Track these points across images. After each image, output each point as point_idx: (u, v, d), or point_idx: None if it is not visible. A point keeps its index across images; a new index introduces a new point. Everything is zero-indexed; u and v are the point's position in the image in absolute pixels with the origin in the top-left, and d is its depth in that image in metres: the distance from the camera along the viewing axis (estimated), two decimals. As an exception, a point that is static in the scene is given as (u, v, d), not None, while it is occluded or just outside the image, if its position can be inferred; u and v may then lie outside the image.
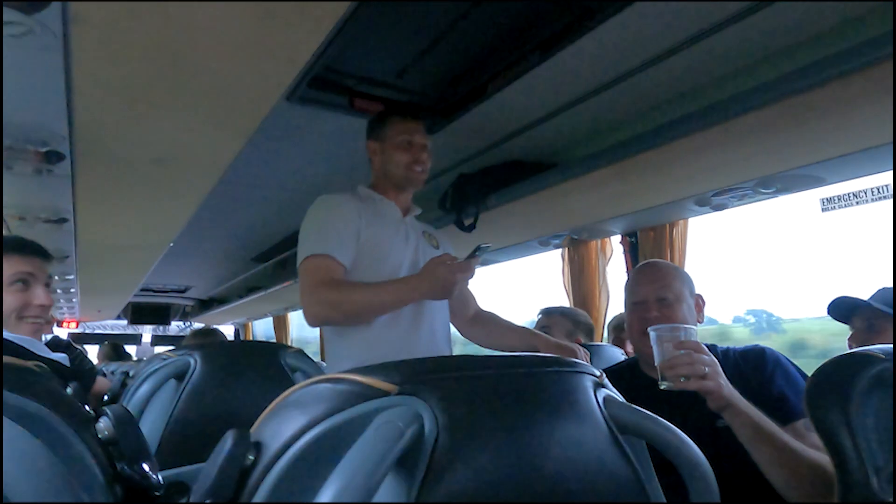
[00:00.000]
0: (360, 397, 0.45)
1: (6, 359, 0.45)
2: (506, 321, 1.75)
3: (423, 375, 0.46)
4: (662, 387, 1.08)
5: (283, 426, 0.45)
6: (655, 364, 1.10)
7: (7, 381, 0.42)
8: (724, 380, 1.06)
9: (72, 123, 1.42)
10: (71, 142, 1.52)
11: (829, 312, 1.65)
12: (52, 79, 1.19)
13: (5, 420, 0.39)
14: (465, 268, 1.37)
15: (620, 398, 0.57)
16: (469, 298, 1.80)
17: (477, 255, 1.38)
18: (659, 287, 1.33)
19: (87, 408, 0.76)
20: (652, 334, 1.11)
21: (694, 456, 0.53)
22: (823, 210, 1.94)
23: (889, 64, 1.22)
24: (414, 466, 0.42)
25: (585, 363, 0.56)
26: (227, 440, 0.44)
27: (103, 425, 0.50)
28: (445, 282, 1.35)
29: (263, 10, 1.00)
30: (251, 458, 0.45)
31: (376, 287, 1.42)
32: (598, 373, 0.56)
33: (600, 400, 0.53)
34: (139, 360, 4.95)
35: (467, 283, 1.43)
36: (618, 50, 1.51)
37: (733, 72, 1.62)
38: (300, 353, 1.31)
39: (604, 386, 0.56)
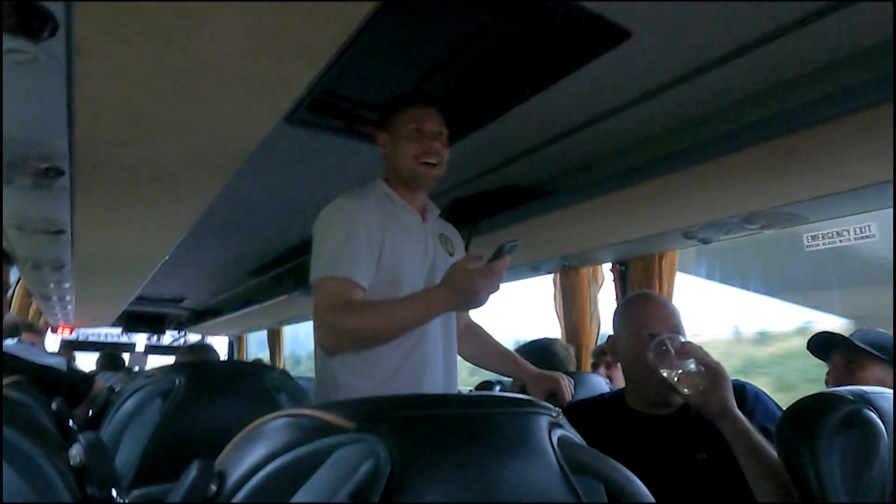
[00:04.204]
0: (318, 433, 0.47)
1: None
2: (493, 342, 1.69)
3: (381, 414, 0.49)
4: (683, 389, 1.15)
5: (245, 458, 0.48)
6: (665, 371, 1.17)
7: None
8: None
9: (72, 141, 1.46)
10: (71, 158, 1.56)
11: (808, 348, 1.68)
12: (54, 100, 1.23)
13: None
14: (490, 272, 1.18)
15: (576, 438, 0.59)
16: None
17: (503, 255, 1.18)
18: (671, 321, 1.35)
19: (70, 422, 0.78)
20: (654, 344, 1.19)
21: (641, 497, 0.55)
22: (808, 247, 1.97)
23: (874, 110, 1.26)
24: (367, 503, 0.44)
25: (543, 403, 0.59)
26: (192, 470, 0.47)
27: (75, 452, 0.53)
28: (470, 290, 1.18)
29: (259, 45, 1.04)
30: (214, 488, 0.47)
31: (394, 306, 1.28)
32: (555, 413, 0.59)
33: (554, 440, 0.55)
34: (129, 371, 4.95)
35: (497, 289, 1.21)
36: (609, 86, 1.56)
37: (721, 110, 1.67)
38: (284, 374, 1.33)
39: (560, 426, 0.58)
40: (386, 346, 1.32)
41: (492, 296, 1.22)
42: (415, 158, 1.39)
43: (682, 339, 1.20)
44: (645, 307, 1.41)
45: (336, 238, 1.32)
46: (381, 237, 1.35)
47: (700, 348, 1.17)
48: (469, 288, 1.18)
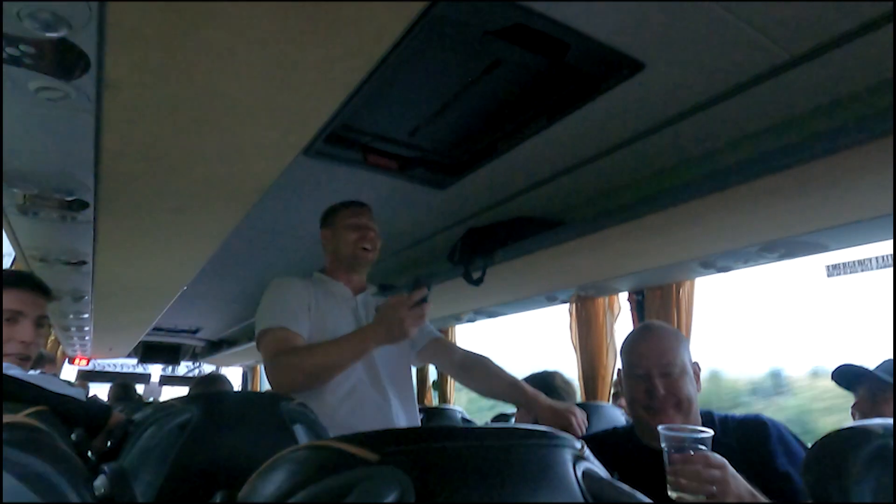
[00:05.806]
0: (341, 465, 0.47)
1: (13, 417, 0.48)
2: (498, 370, 1.72)
3: (403, 445, 0.49)
4: (672, 495, 1.04)
5: (269, 490, 0.47)
6: (666, 465, 1.07)
7: (13, 439, 0.45)
8: (733, 484, 1.02)
9: (97, 175, 1.50)
10: (95, 191, 1.60)
11: (833, 379, 1.64)
12: (82, 135, 1.27)
13: (9, 477, 0.42)
14: (410, 303, 1.40)
15: (601, 471, 0.58)
16: (446, 344, 1.85)
17: (419, 288, 1.41)
18: (662, 358, 1.30)
19: (89, 453, 0.78)
20: (662, 433, 1.07)
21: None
22: (829, 276, 1.95)
23: (889, 139, 1.25)
24: (391, 535, 0.44)
25: (566, 435, 0.58)
26: (216, 501, 0.47)
27: (100, 483, 0.53)
28: (395, 321, 1.39)
29: (280, 80, 1.07)
30: (237, 520, 0.47)
31: (333, 343, 1.49)
32: (578, 445, 0.58)
33: (579, 474, 0.54)
34: (141, 401, 4.95)
35: (423, 319, 1.44)
36: (624, 117, 1.57)
37: (737, 140, 1.66)
38: (301, 405, 1.33)
39: (584, 458, 0.57)
40: (333, 380, 1.51)
41: (415, 329, 1.42)
42: (354, 244, 1.70)
43: (689, 446, 1.04)
44: (638, 343, 1.38)
45: (271, 301, 1.63)
46: (309, 298, 1.62)
47: (705, 480, 1.01)
48: (394, 319, 1.40)
